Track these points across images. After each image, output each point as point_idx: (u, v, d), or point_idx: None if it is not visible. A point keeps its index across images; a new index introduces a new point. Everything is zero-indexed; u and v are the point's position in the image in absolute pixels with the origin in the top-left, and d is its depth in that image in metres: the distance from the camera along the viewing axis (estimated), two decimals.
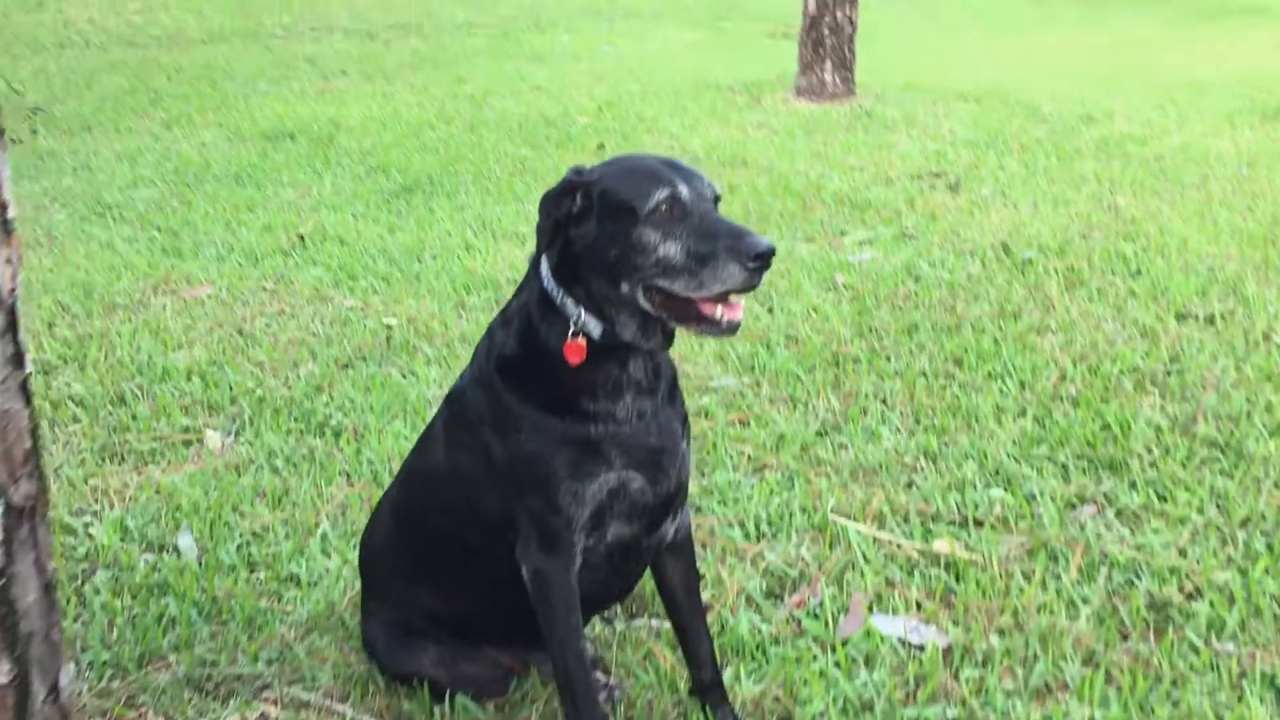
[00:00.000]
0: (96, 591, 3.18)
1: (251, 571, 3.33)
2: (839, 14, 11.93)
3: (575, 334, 2.41)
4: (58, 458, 4.05)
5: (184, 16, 18.51)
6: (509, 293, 6.33)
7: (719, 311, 2.33)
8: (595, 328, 2.41)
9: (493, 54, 15.69)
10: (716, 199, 2.44)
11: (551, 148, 9.95)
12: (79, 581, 3.24)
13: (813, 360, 5.00)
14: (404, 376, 4.87)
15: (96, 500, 3.73)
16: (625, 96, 12.29)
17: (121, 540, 3.45)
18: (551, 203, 2.42)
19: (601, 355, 2.42)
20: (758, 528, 3.69)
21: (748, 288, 2.30)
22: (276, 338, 5.36)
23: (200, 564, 3.34)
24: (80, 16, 17.92)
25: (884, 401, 4.60)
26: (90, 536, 3.44)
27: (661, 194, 2.34)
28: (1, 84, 9.87)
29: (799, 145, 9.73)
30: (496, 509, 2.52)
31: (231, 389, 4.70)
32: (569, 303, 2.43)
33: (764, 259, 2.25)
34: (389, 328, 5.46)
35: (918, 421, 4.42)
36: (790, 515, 3.73)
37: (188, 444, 4.20)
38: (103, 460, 4.04)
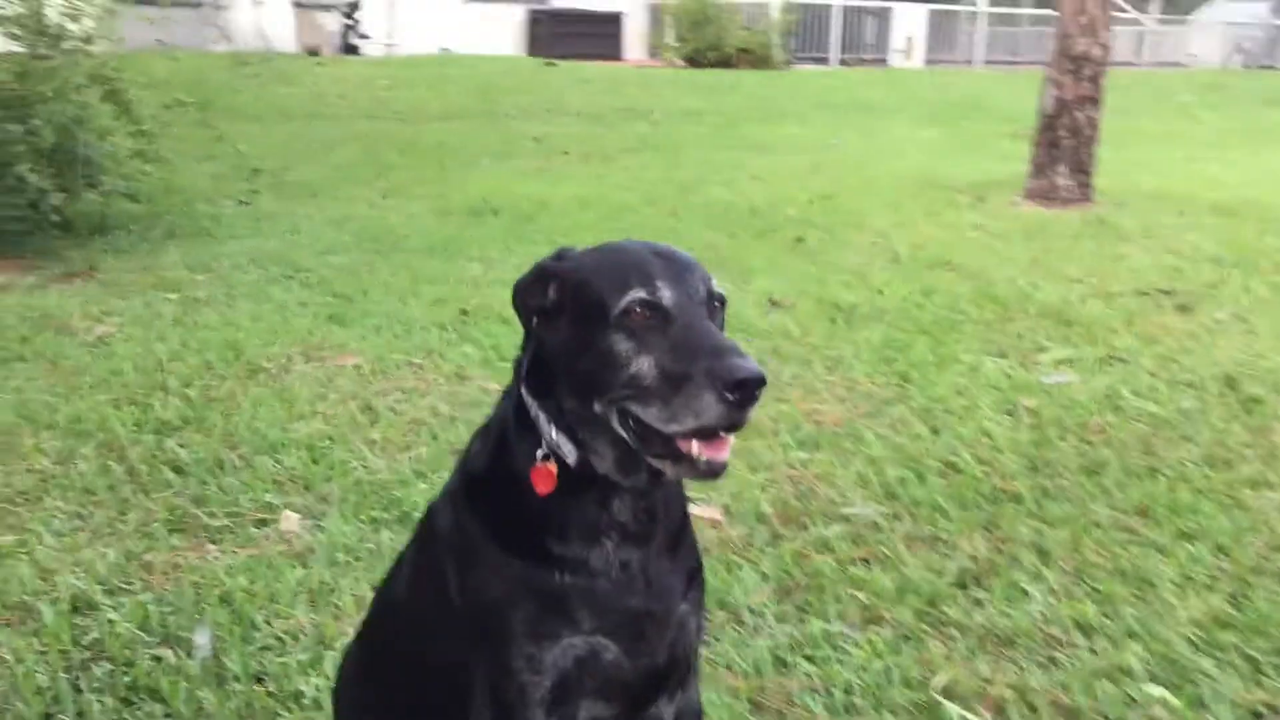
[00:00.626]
0: (78, 690, 2.92)
1: (258, 683, 2.99)
2: (1078, 114, 11.06)
3: (545, 456, 1.97)
4: (129, 524, 3.90)
5: (428, 95, 19.37)
6: None
7: (695, 449, 1.84)
8: (570, 452, 1.97)
9: (715, 143, 15.54)
10: (717, 302, 1.97)
11: (748, 237, 9.57)
12: (73, 673, 2.99)
13: (968, 495, 4.33)
14: None
15: (137, 578, 3.51)
16: (841, 190, 11.81)
17: (140, 628, 3.20)
18: (522, 293, 2.02)
19: (576, 487, 1.97)
20: (847, 696, 3.08)
21: (728, 426, 1.80)
22: (401, 416, 5.13)
23: (202, 669, 3.02)
24: (332, 91, 19.03)
25: (1041, 553, 3.88)
26: (109, 622, 3.20)
27: (636, 294, 1.89)
28: (232, 149, 10.40)
29: (1015, 251, 8.96)
30: (450, 660, 2.07)
31: (332, 468, 4.47)
32: (542, 418, 2.00)
33: (746, 390, 1.75)
34: None
35: (1078, 583, 3.69)
36: (889, 687, 3.11)
37: (262, 524, 3.97)
38: (170, 532, 3.85)
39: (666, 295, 1.89)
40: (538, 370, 2.00)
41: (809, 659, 3.25)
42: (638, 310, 1.88)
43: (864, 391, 5.57)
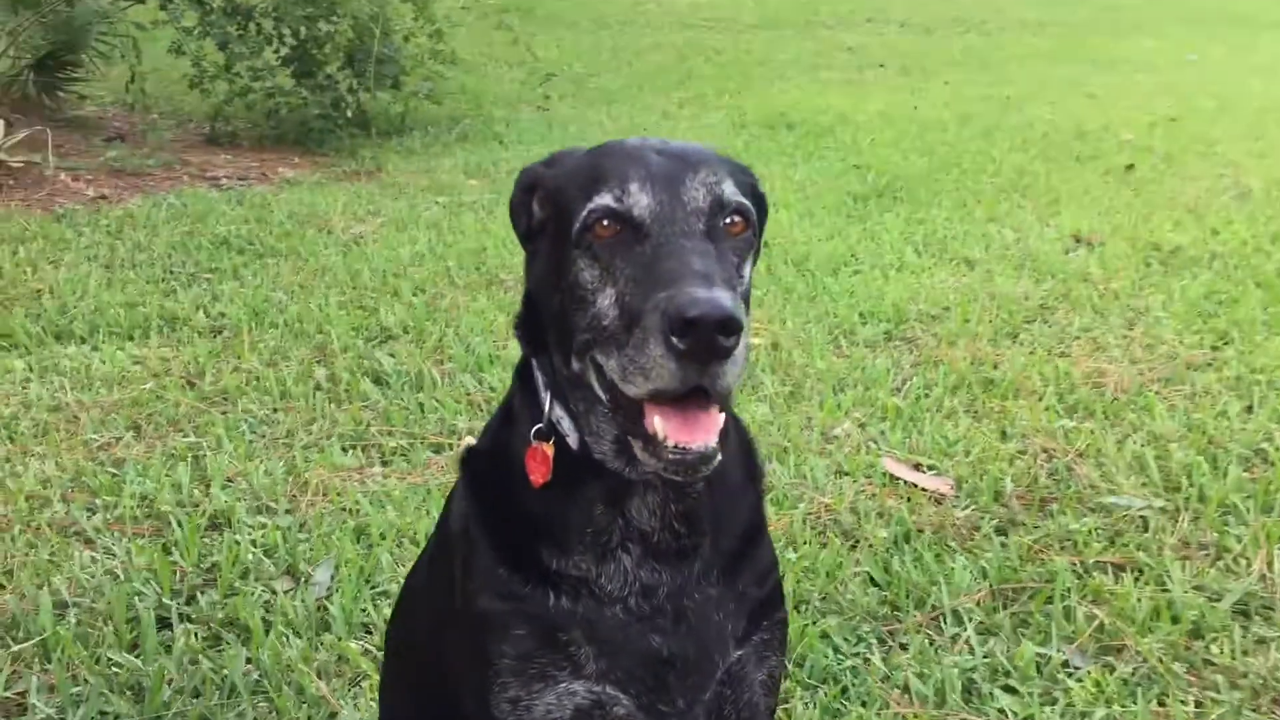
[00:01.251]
0: (165, 625, 2.72)
1: (364, 634, 2.70)
2: None
3: (544, 434, 1.49)
4: (310, 435, 3.74)
5: (744, 3, 18.69)
6: (910, 329, 5.34)
7: (657, 425, 1.32)
8: (570, 430, 1.50)
9: (1053, 57, 14.04)
10: (734, 215, 1.46)
11: (1069, 164, 8.45)
12: (179, 598, 2.80)
13: (1275, 496, 3.44)
14: None
15: (286, 498, 3.32)
16: (1191, 113, 10.29)
17: (267, 554, 2.99)
18: (512, 213, 1.57)
19: (580, 478, 1.49)
20: None
21: (679, 387, 1.28)
22: None
23: (306, 611, 2.74)
24: None
25: None
26: (235, 544, 3.01)
27: (600, 200, 1.41)
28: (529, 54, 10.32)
29: None
30: (449, 669, 1.63)
31: None
32: (539, 381, 1.54)
33: (696, 335, 1.24)
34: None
35: None
36: None
37: (438, 449, 3.70)
38: (344, 449, 3.66)
39: (641, 203, 1.39)
40: (531, 316, 1.53)
41: (1010, 690, 2.59)
42: (603, 224, 1.40)
43: (1166, 352, 4.63)
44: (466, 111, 10.31)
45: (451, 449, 3.71)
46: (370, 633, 2.70)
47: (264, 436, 3.76)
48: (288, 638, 2.63)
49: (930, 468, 3.69)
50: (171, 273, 5.36)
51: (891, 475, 3.62)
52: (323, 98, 8.87)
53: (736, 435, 1.61)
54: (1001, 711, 2.52)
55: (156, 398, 3.99)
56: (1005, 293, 5.36)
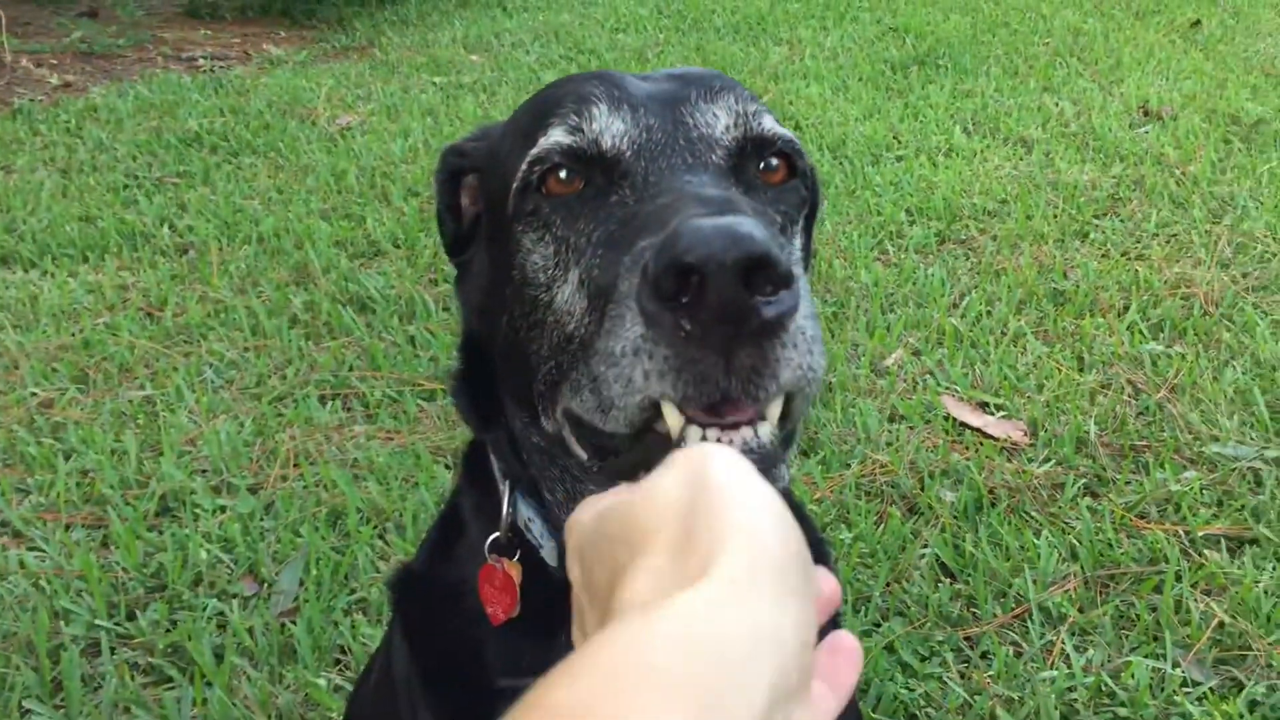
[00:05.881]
0: (94, 653, 2.26)
1: (337, 661, 2.24)
2: None
3: (504, 547, 1.04)
4: (283, 384, 3.25)
5: None
6: (964, 229, 4.73)
7: (670, 420, 0.85)
8: (543, 536, 1.04)
9: None
10: (771, 156, 1.00)
11: (1129, 20, 7.68)
12: (114, 617, 2.34)
13: None
14: None
15: (251, 472, 2.83)
16: None
17: (224, 549, 2.52)
18: (437, 218, 1.12)
19: (566, 608, 0.99)
20: None
21: (687, 393, 0.80)
22: None
23: (266, 628, 2.28)
24: None
25: None
26: (186, 539, 2.52)
27: (546, 140, 0.95)
28: None
29: None
30: None
31: None
32: (494, 464, 1.08)
33: (705, 282, 0.74)
34: None
35: None
36: None
37: (429, 397, 3.21)
38: (321, 401, 3.17)
39: (613, 129, 0.93)
40: (473, 370, 1.06)
41: (1099, 697, 2.14)
42: (558, 176, 0.94)
43: (1259, 253, 4.05)
44: None
45: (445, 395, 3.22)
46: (341, 661, 2.24)
47: (230, 384, 3.27)
48: (244, 672, 2.17)
49: (998, 408, 3.18)
50: (135, 178, 4.80)
51: (954, 419, 3.12)
52: None
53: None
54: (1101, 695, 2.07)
55: (110, 335, 3.49)
56: (1069, 181, 4.75)
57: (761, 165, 0.99)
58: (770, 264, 0.73)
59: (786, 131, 1.01)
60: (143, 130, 5.34)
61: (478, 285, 1.05)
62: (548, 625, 1.01)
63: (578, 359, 0.87)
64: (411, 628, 1.11)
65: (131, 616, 2.32)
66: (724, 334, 0.76)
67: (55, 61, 6.74)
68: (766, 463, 0.80)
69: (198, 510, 2.64)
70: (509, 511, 1.03)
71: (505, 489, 1.04)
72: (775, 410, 0.82)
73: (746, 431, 0.80)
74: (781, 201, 1.00)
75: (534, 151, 0.94)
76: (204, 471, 2.81)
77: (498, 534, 1.03)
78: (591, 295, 0.87)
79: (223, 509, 2.66)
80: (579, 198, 0.93)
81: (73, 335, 3.49)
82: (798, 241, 1.04)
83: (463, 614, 1.05)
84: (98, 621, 2.27)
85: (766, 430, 0.82)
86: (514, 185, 0.95)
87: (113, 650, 2.22)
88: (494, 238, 1.01)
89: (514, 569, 1.01)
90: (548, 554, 1.02)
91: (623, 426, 0.83)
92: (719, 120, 0.96)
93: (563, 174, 0.93)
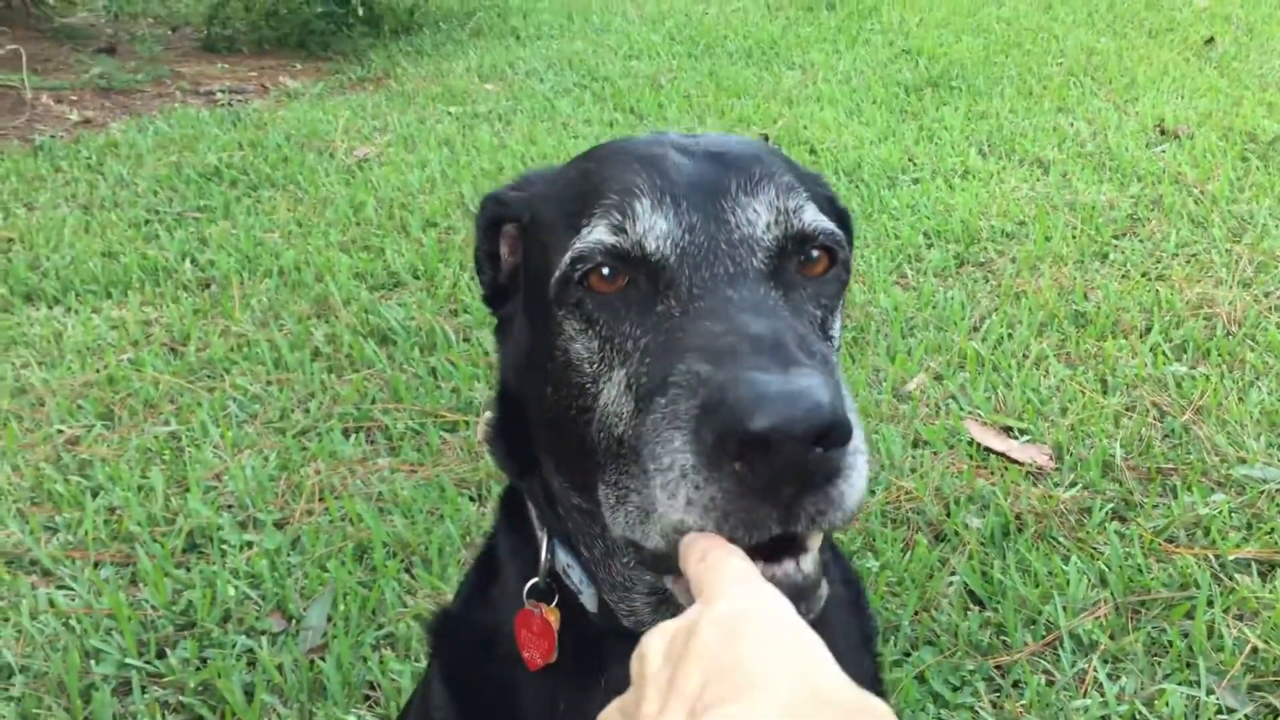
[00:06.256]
0: (125, 691, 2.27)
1: (366, 698, 2.24)
2: None
3: (540, 586, 1.05)
4: (307, 417, 3.26)
5: None
6: (983, 252, 4.74)
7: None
8: (583, 583, 1.04)
9: None
10: (812, 249, 1.00)
11: (1142, 39, 7.69)
12: (145, 655, 2.35)
13: None
14: None
15: (278, 507, 2.84)
16: None
17: (252, 585, 2.52)
18: (475, 263, 1.14)
19: (604, 655, 1.04)
20: None
21: (741, 537, 0.80)
22: None
23: (295, 665, 2.28)
24: None
25: None
26: (213, 577, 2.53)
27: (593, 236, 0.95)
28: None
29: None
30: None
31: None
32: (532, 513, 1.09)
33: (772, 449, 0.76)
34: None
35: None
36: None
37: (451, 429, 3.22)
38: (345, 435, 3.18)
39: (655, 230, 0.93)
40: (510, 418, 1.07)
41: None
42: (601, 273, 0.94)
43: None
44: (480, 2, 9.59)
45: (468, 427, 3.23)
46: (371, 697, 2.24)
47: (254, 418, 3.29)
48: (275, 709, 2.17)
49: (1022, 432, 3.17)
50: (156, 213, 4.83)
51: (978, 444, 3.11)
52: None
53: (838, 572, 1.11)
54: None
55: (135, 371, 3.51)
56: (1087, 201, 4.75)
57: (802, 258, 1.00)
58: (838, 430, 0.74)
59: (828, 224, 1.02)
60: (163, 165, 5.38)
61: (517, 347, 1.06)
62: (584, 671, 1.02)
63: (626, 467, 0.88)
64: (449, 672, 1.11)
65: (161, 654, 2.33)
66: (787, 489, 0.77)
67: (75, 98, 6.81)
68: (808, 592, 0.82)
69: (225, 546, 2.65)
70: (547, 558, 1.04)
71: (543, 536, 1.04)
72: (817, 541, 0.83)
73: (789, 565, 0.82)
74: (822, 294, 1.01)
75: (578, 246, 0.95)
76: (230, 507, 2.82)
77: (536, 579, 1.03)
78: (639, 398, 0.88)
79: (249, 545, 2.67)
80: (622, 298, 0.94)
81: (97, 371, 3.51)
82: (837, 324, 1.05)
83: (500, 659, 1.05)
84: (128, 660, 2.28)
85: (810, 562, 0.83)
86: (555, 274, 0.96)
87: (143, 689, 2.22)
88: (534, 310, 1.02)
89: (552, 614, 1.02)
90: (587, 599, 1.02)
91: (661, 545, 0.84)
92: (760, 218, 0.96)
93: (605, 271, 0.94)
